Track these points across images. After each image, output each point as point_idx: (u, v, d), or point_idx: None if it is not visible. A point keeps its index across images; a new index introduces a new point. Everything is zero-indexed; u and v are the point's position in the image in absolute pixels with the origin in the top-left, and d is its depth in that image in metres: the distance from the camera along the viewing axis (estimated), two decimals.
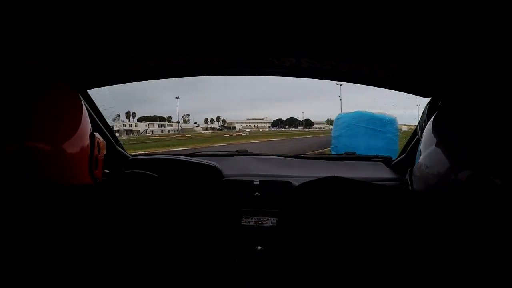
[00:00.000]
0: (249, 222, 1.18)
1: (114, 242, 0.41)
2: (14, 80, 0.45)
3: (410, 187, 0.55)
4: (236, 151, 1.57)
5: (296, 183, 1.21)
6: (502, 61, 0.70)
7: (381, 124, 3.56)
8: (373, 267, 0.37)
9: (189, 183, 1.19)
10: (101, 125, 1.24)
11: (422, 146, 0.53)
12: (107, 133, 1.28)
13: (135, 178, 0.96)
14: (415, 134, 1.21)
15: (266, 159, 1.48)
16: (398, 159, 1.37)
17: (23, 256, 0.37)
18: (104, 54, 0.92)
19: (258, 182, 1.21)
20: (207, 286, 0.46)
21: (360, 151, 1.62)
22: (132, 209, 0.44)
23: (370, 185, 0.44)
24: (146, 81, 1.24)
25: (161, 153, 1.46)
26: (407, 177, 0.58)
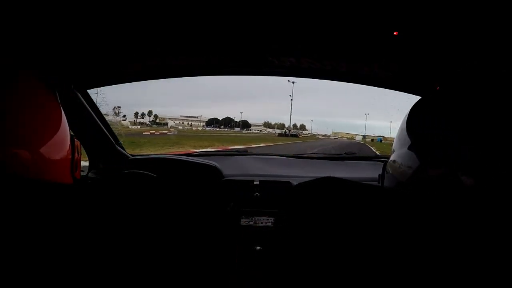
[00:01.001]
0: (248, 222, 1.18)
1: (113, 242, 0.41)
2: None
3: (380, 183, 0.55)
4: (236, 151, 1.57)
5: (295, 183, 1.21)
6: (502, 61, 0.70)
7: None
8: (369, 266, 0.37)
9: (189, 183, 1.19)
10: (101, 125, 1.24)
11: (395, 143, 0.52)
12: (107, 133, 1.28)
13: (135, 178, 0.96)
14: None
15: (266, 159, 1.48)
16: None
17: (19, 254, 0.37)
18: (104, 54, 0.92)
19: (258, 182, 1.21)
20: (207, 286, 0.46)
21: None
22: (131, 209, 0.44)
23: (364, 185, 0.45)
24: None
25: (161, 153, 1.46)
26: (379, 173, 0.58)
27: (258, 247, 1.13)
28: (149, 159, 1.33)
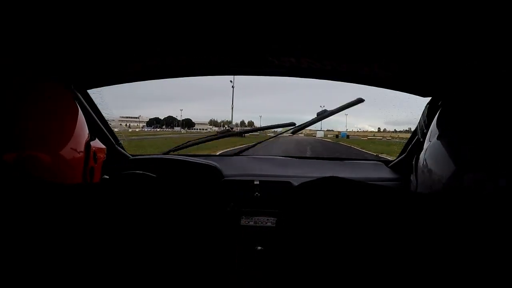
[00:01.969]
0: (248, 222, 1.18)
1: (113, 242, 0.41)
2: (8, 86, 0.44)
3: (413, 187, 0.55)
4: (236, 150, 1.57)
5: (296, 183, 1.21)
6: (502, 61, 0.70)
7: None
8: (371, 267, 0.37)
9: (189, 183, 1.19)
10: (101, 125, 1.24)
11: (426, 144, 0.53)
12: (107, 133, 1.28)
13: (135, 179, 0.96)
14: (415, 134, 1.21)
15: (266, 159, 1.48)
16: (398, 159, 1.37)
17: (21, 254, 0.37)
18: (104, 54, 0.92)
19: (258, 182, 1.21)
20: (207, 286, 0.46)
21: None
22: (131, 210, 0.44)
23: (367, 185, 0.44)
24: None
25: (161, 154, 1.46)
26: (412, 177, 0.58)
27: (258, 247, 1.13)
28: (149, 159, 1.33)
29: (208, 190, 1.15)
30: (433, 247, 0.36)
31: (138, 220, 0.43)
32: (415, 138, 1.24)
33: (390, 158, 1.52)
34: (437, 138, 0.49)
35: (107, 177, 0.72)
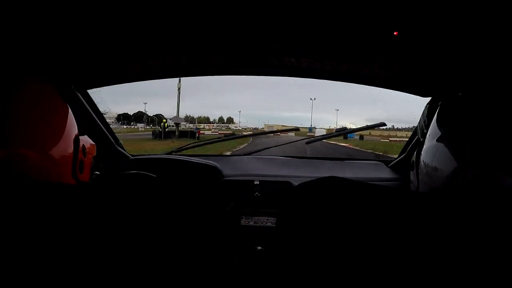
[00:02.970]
0: (249, 222, 1.18)
1: (113, 242, 0.41)
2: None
3: (414, 186, 0.55)
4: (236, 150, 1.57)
5: (295, 183, 1.21)
6: (502, 61, 0.70)
7: None
8: (371, 266, 0.37)
9: (189, 183, 1.19)
10: (101, 125, 1.24)
11: (426, 144, 0.53)
12: (107, 133, 1.28)
13: (135, 179, 0.96)
14: (415, 134, 1.21)
15: (266, 159, 1.48)
16: (398, 159, 1.37)
17: (18, 254, 0.37)
18: (104, 54, 0.92)
19: (258, 182, 1.21)
20: (207, 286, 0.46)
21: None
22: (131, 210, 0.44)
23: (367, 185, 0.45)
24: None
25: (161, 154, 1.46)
26: (412, 177, 0.58)
27: (258, 247, 1.13)
28: (150, 159, 1.33)
29: (208, 190, 1.15)
30: (432, 246, 0.36)
31: (139, 220, 0.43)
32: (415, 138, 1.24)
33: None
34: (437, 138, 0.49)
35: (98, 173, 0.72)
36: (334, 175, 0.47)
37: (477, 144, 0.42)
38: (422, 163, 0.52)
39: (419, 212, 0.40)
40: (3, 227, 0.37)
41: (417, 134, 0.95)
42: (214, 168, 1.26)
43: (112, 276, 0.39)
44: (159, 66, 1.08)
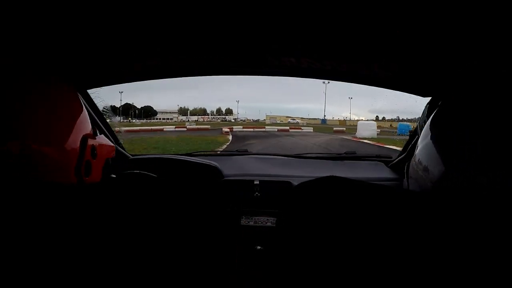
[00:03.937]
0: (248, 222, 1.18)
1: (114, 242, 0.41)
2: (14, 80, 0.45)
3: (405, 185, 0.55)
4: (236, 150, 1.57)
5: (295, 183, 1.21)
6: (502, 61, 0.70)
7: None
8: (370, 265, 0.37)
9: (189, 183, 1.19)
10: (101, 125, 1.24)
11: (419, 144, 0.53)
12: (107, 133, 1.28)
13: (135, 179, 0.96)
14: (415, 133, 1.21)
15: (266, 159, 1.48)
16: (398, 159, 1.38)
17: (18, 254, 0.37)
18: (104, 54, 0.92)
19: (258, 182, 1.21)
20: (207, 286, 0.46)
21: None
22: (131, 210, 0.44)
23: (367, 184, 0.45)
24: None
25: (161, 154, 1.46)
26: (406, 177, 0.58)
27: (258, 247, 1.13)
28: (150, 159, 1.33)
29: (208, 190, 1.15)
30: (431, 246, 0.36)
31: (139, 220, 0.43)
32: (415, 138, 1.24)
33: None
34: (431, 138, 0.49)
35: (114, 176, 0.71)
36: (334, 174, 0.47)
37: (474, 145, 0.42)
38: (413, 163, 0.52)
39: (419, 212, 0.40)
40: (3, 226, 0.37)
41: (417, 134, 0.95)
42: (214, 168, 1.26)
43: (113, 275, 0.39)
44: (159, 66, 1.08)
